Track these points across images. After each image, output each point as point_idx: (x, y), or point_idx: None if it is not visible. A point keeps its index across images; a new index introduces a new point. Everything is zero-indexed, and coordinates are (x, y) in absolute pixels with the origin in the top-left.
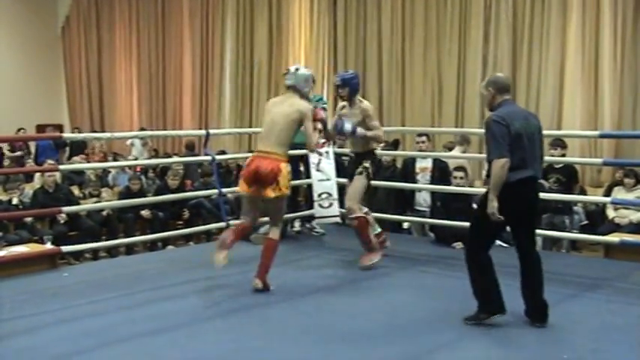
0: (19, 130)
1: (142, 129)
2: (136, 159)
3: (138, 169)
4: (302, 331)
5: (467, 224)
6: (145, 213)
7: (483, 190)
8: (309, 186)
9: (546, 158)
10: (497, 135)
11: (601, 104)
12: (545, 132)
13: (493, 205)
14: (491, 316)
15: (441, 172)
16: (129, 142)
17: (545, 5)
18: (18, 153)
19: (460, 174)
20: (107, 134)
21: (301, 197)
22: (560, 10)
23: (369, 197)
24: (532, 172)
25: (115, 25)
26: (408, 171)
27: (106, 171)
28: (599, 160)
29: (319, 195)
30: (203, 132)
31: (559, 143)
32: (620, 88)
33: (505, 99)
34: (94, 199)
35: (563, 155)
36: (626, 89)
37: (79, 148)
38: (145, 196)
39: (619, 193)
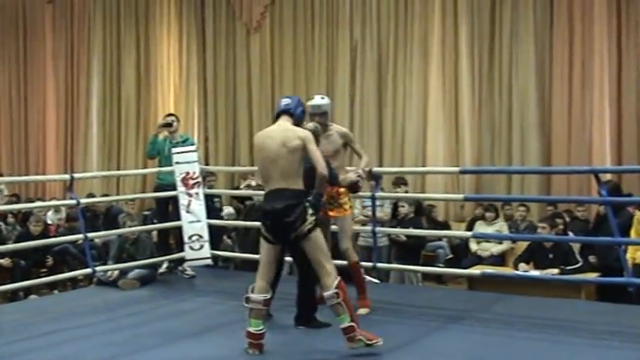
0: None
1: None
2: None
3: None
4: None
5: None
6: (4, 261)
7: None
8: (180, 228)
9: (392, 195)
10: None
11: (462, 142)
12: (399, 169)
13: None
14: None
15: None
16: None
17: (408, 48)
18: None
19: None
20: None
21: (171, 239)
22: (422, 53)
23: (242, 238)
24: None
25: None
26: None
27: None
28: (460, 196)
29: (190, 237)
30: (67, 176)
31: (401, 181)
32: (478, 127)
33: None
34: None
35: (407, 192)
36: (484, 128)
37: None
38: (4, 244)
39: (481, 227)
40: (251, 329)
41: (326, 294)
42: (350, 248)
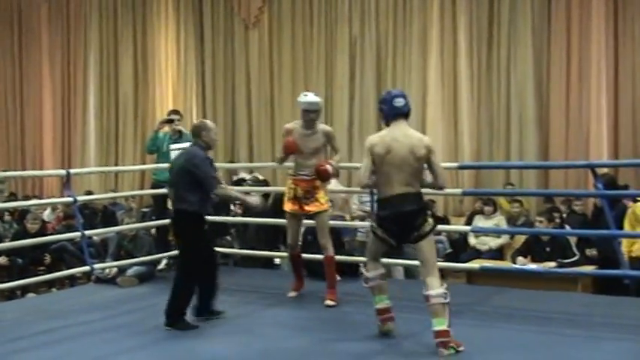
0: None
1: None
2: None
3: None
4: None
5: (340, 257)
6: (1, 260)
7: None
8: None
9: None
10: None
11: (460, 137)
12: None
13: None
14: None
15: None
16: None
17: (407, 44)
18: None
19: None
20: None
21: (170, 236)
22: (421, 49)
23: (241, 234)
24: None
25: None
26: (278, 207)
27: None
28: (458, 191)
29: None
30: (63, 172)
31: None
32: (477, 123)
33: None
34: None
35: None
36: (482, 123)
37: None
38: (1, 242)
39: (479, 221)
40: (379, 306)
41: (435, 292)
42: (328, 242)
